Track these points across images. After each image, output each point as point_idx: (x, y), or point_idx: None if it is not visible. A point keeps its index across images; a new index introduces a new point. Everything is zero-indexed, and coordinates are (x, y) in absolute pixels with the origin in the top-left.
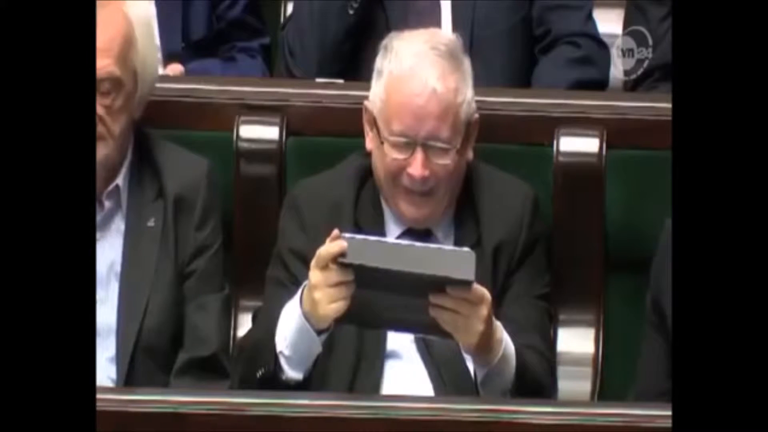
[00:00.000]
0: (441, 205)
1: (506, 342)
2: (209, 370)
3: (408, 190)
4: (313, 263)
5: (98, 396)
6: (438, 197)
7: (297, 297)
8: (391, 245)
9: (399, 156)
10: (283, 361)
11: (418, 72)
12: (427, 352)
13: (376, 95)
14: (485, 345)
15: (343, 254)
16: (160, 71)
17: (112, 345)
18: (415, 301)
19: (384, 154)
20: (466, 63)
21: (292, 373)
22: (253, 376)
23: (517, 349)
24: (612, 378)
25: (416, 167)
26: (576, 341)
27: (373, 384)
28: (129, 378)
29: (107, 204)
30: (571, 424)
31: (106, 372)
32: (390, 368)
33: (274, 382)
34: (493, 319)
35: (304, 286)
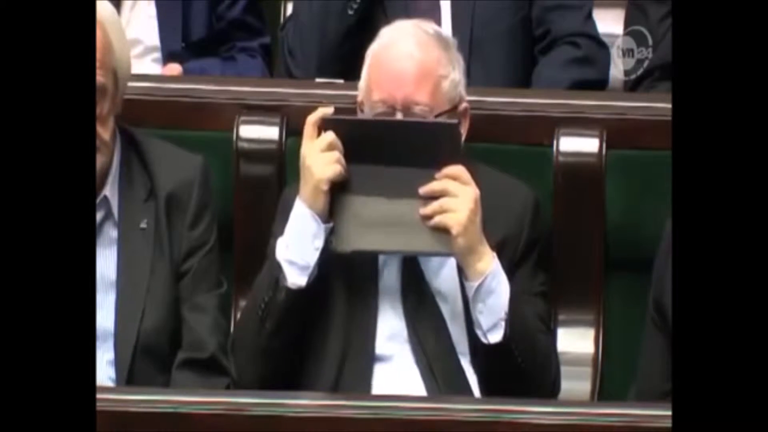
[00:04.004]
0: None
1: (499, 268)
2: (208, 370)
3: None
4: (304, 137)
5: (98, 396)
6: None
7: (296, 202)
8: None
9: None
10: (285, 267)
11: (398, 41)
12: (420, 350)
13: (361, 82)
14: (474, 237)
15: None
16: (159, 71)
17: (111, 348)
18: (405, 205)
19: None
20: (456, 51)
21: (295, 277)
22: (254, 324)
23: (512, 291)
24: (612, 378)
25: None
26: (576, 341)
27: (360, 388)
28: (129, 380)
29: (97, 215)
30: (571, 424)
31: (105, 374)
32: (379, 371)
33: (277, 305)
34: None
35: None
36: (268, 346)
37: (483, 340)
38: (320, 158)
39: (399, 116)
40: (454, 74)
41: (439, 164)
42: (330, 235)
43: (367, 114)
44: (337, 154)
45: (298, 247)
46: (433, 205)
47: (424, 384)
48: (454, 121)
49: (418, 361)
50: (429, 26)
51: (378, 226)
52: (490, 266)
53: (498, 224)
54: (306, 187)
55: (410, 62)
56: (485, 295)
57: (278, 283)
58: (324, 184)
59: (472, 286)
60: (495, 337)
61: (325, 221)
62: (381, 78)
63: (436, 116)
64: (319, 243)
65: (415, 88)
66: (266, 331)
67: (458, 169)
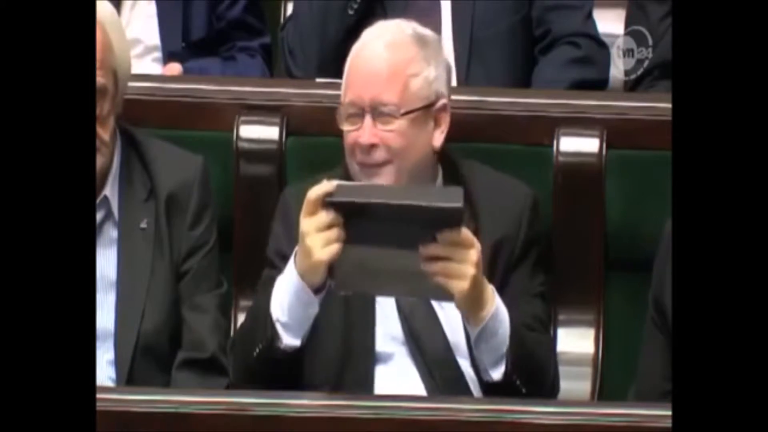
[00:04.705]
0: (400, 182)
1: (499, 304)
2: (208, 370)
3: (363, 165)
4: (303, 211)
5: (98, 396)
6: (393, 172)
7: (290, 262)
8: (379, 184)
9: (352, 127)
10: (280, 329)
11: (368, 43)
12: (418, 353)
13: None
14: (478, 294)
15: (330, 195)
16: (159, 71)
17: (111, 348)
18: (406, 256)
19: (345, 135)
20: (436, 48)
21: (289, 339)
22: (250, 356)
23: (512, 321)
24: (612, 378)
25: (363, 133)
26: (576, 341)
27: (361, 388)
28: (129, 380)
29: (97, 216)
30: (572, 424)
31: (106, 374)
32: (380, 371)
33: (271, 356)
34: (483, 277)
35: (296, 252)
36: (266, 374)
37: (485, 376)
38: (319, 239)
39: (368, 119)
40: (428, 72)
41: (441, 212)
42: (330, 279)
43: (341, 117)
44: (336, 233)
45: (291, 313)
46: (435, 267)
47: (424, 385)
48: (459, 205)
49: (417, 363)
50: (408, 25)
51: (379, 272)
52: (491, 310)
53: (496, 224)
54: (303, 264)
55: (376, 63)
56: (488, 336)
57: (273, 342)
58: (322, 266)
59: (474, 330)
60: (497, 373)
61: (318, 290)
62: (353, 79)
63: (403, 114)
64: (313, 311)
65: (382, 88)
66: (263, 368)
67: (460, 234)
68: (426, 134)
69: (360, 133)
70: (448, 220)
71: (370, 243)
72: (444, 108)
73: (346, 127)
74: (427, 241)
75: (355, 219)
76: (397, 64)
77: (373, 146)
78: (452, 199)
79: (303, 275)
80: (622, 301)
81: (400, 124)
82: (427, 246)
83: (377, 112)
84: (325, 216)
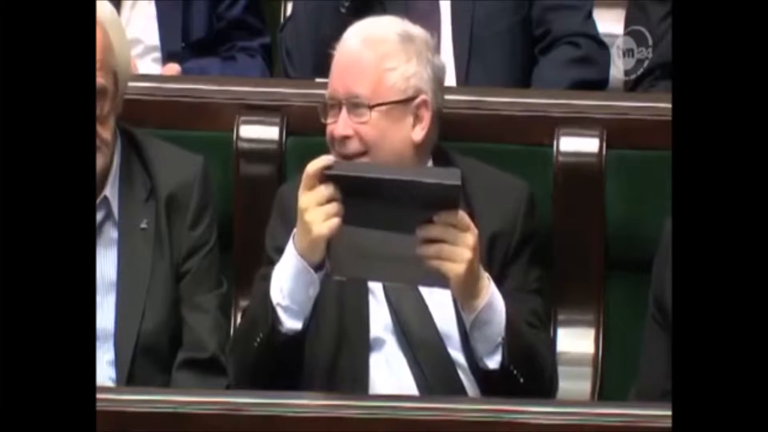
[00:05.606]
0: None
1: (494, 293)
2: (208, 370)
3: (340, 156)
4: (301, 187)
5: (98, 396)
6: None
7: (289, 245)
8: (376, 163)
9: (330, 120)
10: (281, 312)
11: (350, 38)
12: (406, 342)
13: None
14: (473, 280)
15: (329, 168)
16: (159, 71)
17: (111, 348)
18: (402, 240)
19: (327, 129)
20: (423, 48)
21: (291, 323)
22: (251, 349)
23: (509, 313)
24: (612, 378)
25: (338, 125)
26: (576, 341)
27: (356, 374)
28: (129, 380)
29: (97, 216)
30: (571, 424)
31: (106, 374)
32: (372, 359)
33: (273, 343)
34: (480, 265)
35: (294, 234)
36: (266, 366)
37: (481, 365)
38: (318, 213)
39: (344, 111)
40: (406, 67)
41: (439, 188)
42: (326, 261)
43: (322, 110)
44: (335, 207)
45: (292, 296)
46: (430, 250)
47: (412, 374)
48: (457, 182)
49: (405, 352)
50: (398, 23)
51: (375, 257)
52: (485, 299)
53: (492, 219)
54: (303, 240)
55: (352, 57)
56: (481, 324)
57: (274, 327)
58: (322, 240)
59: (468, 317)
60: (493, 362)
61: (319, 268)
62: (331, 74)
63: (374, 106)
64: (314, 291)
65: (355, 81)
66: (264, 358)
67: (457, 216)
68: (403, 128)
69: (336, 125)
70: (446, 199)
71: (367, 224)
72: (424, 104)
73: (327, 120)
74: (424, 223)
75: (352, 198)
76: (371, 58)
77: (347, 138)
78: (450, 178)
79: (303, 253)
80: (622, 301)
81: (372, 116)
82: (424, 228)
83: (351, 104)
84: (324, 189)
